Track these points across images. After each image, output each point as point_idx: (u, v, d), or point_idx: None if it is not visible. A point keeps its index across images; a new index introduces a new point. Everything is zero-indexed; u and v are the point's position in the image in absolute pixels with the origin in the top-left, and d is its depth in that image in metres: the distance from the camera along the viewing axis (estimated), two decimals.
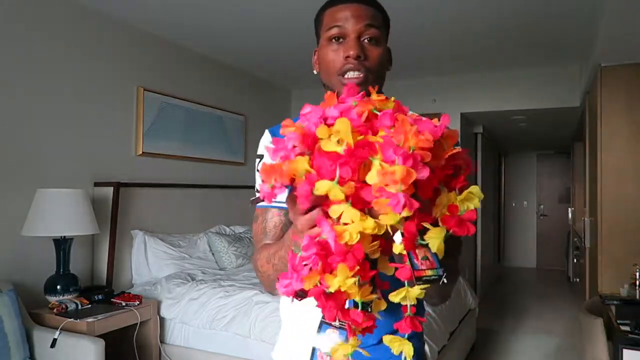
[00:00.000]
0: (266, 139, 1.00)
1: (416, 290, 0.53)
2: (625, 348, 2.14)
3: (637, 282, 2.72)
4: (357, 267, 0.50)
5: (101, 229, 2.69)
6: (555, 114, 4.53)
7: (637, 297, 2.65)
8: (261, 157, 1.00)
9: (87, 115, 2.83)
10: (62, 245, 2.45)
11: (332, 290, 0.50)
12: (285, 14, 2.91)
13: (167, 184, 3.34)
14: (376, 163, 0.48)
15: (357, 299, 0.52)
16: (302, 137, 0.52)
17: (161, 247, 3.08)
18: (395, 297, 0.54)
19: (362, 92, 0.58)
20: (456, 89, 4.45)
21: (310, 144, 0.52)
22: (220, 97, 4.00)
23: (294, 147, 0.52)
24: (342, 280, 0.49)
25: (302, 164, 0.50)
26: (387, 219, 0.48)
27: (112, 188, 2.82)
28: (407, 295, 0.54)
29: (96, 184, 2.86)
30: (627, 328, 2.25)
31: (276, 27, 3.17)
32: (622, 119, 3.00)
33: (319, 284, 0.50)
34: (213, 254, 3.41)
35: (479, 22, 3.06)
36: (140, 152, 3.19)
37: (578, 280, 5.27)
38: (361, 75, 0.87)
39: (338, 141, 0.50)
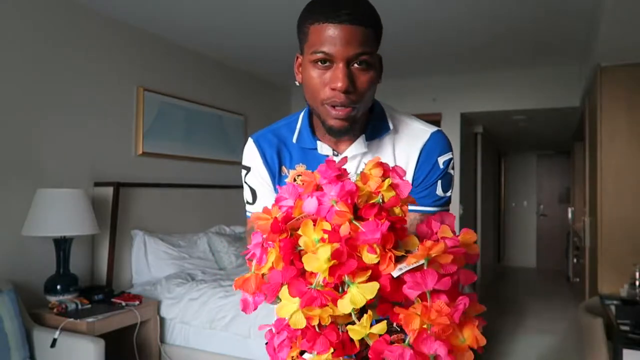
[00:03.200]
0: (250, 148, 0.98)
1: None
2: (625, 348, 2.14)
3: (637, 282, 2.72)
4: (333, 350, 0.50)
5: (101, 229, 2.69)
6: (555, 114, 4.53)
7: (637, 297, 2.65)
8: (247, 168, 0.99)
9: (87, 115, 2.83)
10: (62, 245, 2.45)
11: None
12: (286, 14, 2.91)
13: (167, 184, 3.33)
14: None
15: None
16: (271, 228, 0.53)
17: (161, 247, 3.08)
18: None
19: (342, 168, 0.56)
20: (456, 89, 4.45)
21: (280, 229, 0.54)
22: (220, 97, 4.00)
23: (263, 246, 0.55)
24: None
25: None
26: (354, 334, 0.50)
27: (112, 188, 2.82)
28: None
29: (96, 184, 2.86)
30: (627, 328, 2.25)
31: (276, 27, 3.16)
32: (622, 119, 3.00)
33: None
34: (213, 254, 3.41)
35: (479, 22, 3.06)
36: (141, 152, 3.19)
37: (578, 280, 5.27)
38: (348, 111, 0.81)
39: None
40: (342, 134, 0.86)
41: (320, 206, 0.53)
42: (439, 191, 0.92)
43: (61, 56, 2.68)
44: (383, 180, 0.55)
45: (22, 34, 2.48)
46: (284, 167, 0.96)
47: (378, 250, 0.50)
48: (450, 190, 0.94)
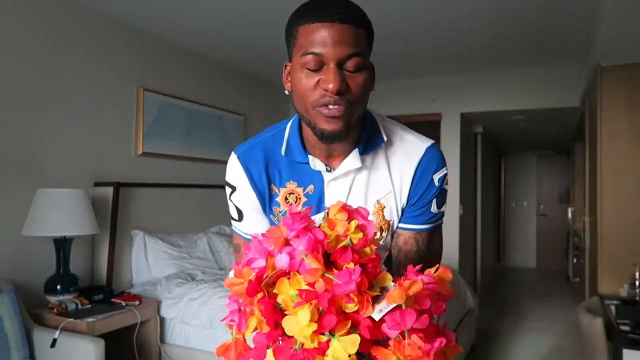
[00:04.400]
0: (234, 165, 0.91)
1: None
2: (625, 348, 2.14)
3: (637, 282, 2.72)
4: None
5: (101, 229, 2.69)
6: (555, 114, 4.53)
7: (637, 297, 2.65)
8: (232, 187, 0.92)
9: (87, 115, 2.83)
10: (62, 245, 2.45)
11: None
12: (286, 14, 2.90)
13: (167, 184, 3.33)
14: None
15: None
16: (247, 292, 0.53)
17: (161, 247, 3.08)
18: None
19: (309, 219, 0.55)
20: (456, 89, 4.45)
21: (256, 291, 0.54)
22: (220, 97, 4.00)
23: (240, 310, 0.55)
24: None
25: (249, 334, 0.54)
26: None
27: (112, 188, 2.82)
28: None
29: (96, 184, 2.86)
30: (627, 328, 2.25)
31: (276, 27, 3.16)
32: (622, 119, 3.00)
33: None
34: (213, 254, 3.41)
35: (478, 22, 3.06)
36: (141, 152, 3.19)
37: (578, 280, 5.27)
38: (342, 109, 0.76)
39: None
40: (334, 139, 0.79)
41: (291, 261, 0.53)
42: (434, 208, 0.90)
43: (61, 56, 2.67)
44: (349, 223, 0.55)
45: (22, 34, 2.48)
46: (273, 186, 0.90)
47: (356, 299, 0.51)
48: (444, 205, 0.92)
